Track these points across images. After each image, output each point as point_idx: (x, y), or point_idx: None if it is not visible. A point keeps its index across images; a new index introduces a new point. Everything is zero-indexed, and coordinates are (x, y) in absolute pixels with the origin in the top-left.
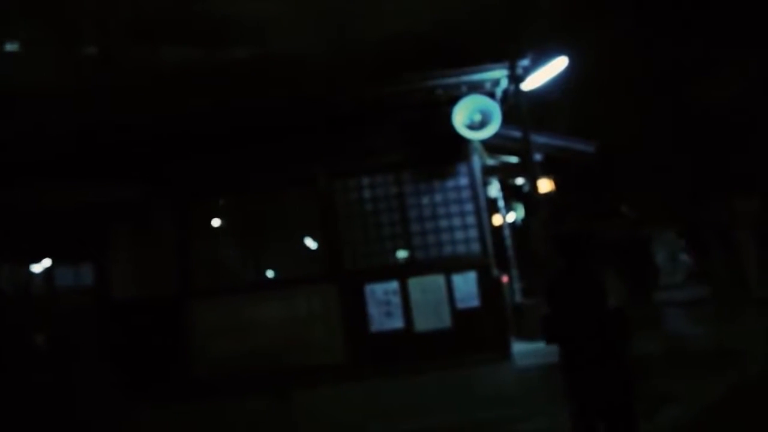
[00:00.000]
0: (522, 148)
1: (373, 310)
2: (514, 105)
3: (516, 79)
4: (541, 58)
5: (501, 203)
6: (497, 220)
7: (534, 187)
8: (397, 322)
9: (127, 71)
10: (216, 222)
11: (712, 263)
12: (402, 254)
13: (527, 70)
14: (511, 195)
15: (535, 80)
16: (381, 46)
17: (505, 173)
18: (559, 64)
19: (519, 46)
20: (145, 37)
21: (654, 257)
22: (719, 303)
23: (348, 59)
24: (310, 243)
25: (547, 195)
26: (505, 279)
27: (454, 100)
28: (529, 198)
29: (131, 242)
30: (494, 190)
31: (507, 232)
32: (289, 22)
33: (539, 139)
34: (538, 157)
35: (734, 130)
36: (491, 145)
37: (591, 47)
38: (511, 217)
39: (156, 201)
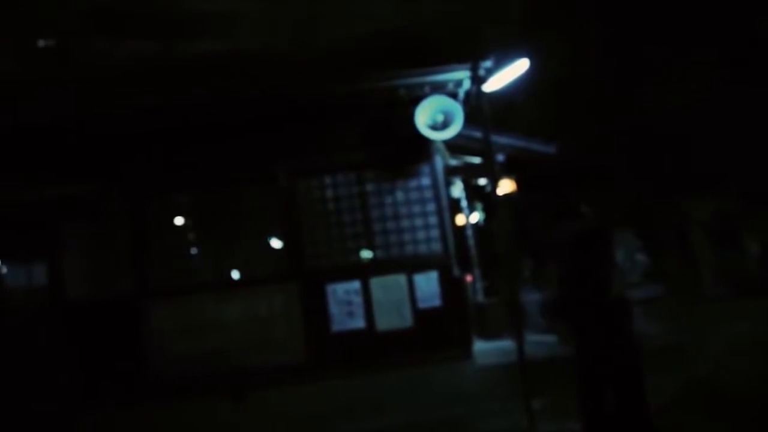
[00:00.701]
0: (483, 149)
1: (335, 310)
2: (477, 106)
3: (478, 80)
4: (503, 59)
5: (464, 203)
6: (460, 220)
7: (494, 188)
8: (359, 322)
9: (84, 64)
10: (175, 220)
11: (668, 263)
12: (364, 254)
13: (490, 72)
14: (474, 195)
15: (497, 81)
16: (346, 45)
17: (467, 173)
18: (520, 66)
19: (482, 48)
20: (104, 29)
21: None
22: (674, 301)
23: (312, 56)
24: (272, 242)
25: (508, 195)
26: (468, 278)
27: (417, 100)
28: (490, 198)
29: (86, 240)
30: (457, 190)
31: (470, 231)
32: (255, 18)
33: (501, 139)
34: (500, 157)
35: (691, 132)
36: (454, 146)
37: (554, 50)
38: (474, 217)
39: (112, 197)
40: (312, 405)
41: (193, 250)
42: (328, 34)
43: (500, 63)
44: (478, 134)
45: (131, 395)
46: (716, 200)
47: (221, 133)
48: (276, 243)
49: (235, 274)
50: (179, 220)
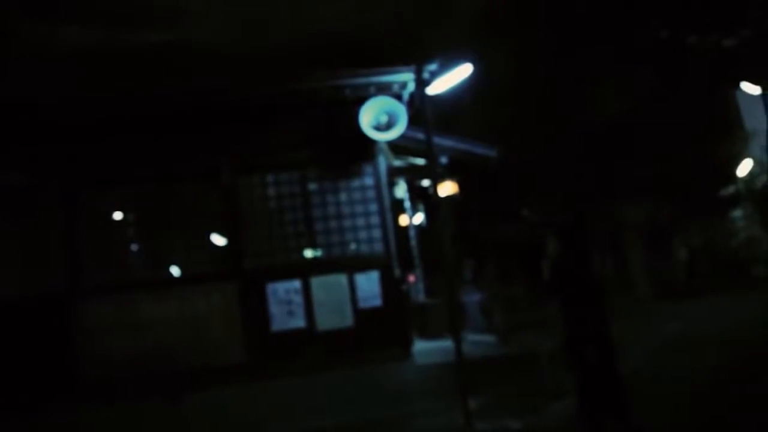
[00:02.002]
0: (427, 151)
1: (275, 309)
2: (421, 108)
3: (422, 82)
4: (448, 63)
5: (407, 204)
6: (403, 220)
7: (436, 189)
8: (299, 321)
9: (17, 49)
10: (112, 214)
11: (602, 265)
12: (305, 253)
13: (434, 75)
14: (418, 196)
15: (441, 85)
16: (294, 43)
17: (411, 174)
18: (464, 71)
19: (427, 51)
20: (44, 14)
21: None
22: (608, 302)
23: (259, 53)
24: (212, 239)
25: (450, 197)
26: (410, 278)
27: (362, 100)
28: (432, 199)
29: (14, 234)
30: (401, 190)
31: (412, 232)
32: (202, 11)
33: (445, 142)
34: (443, 159)
35: (629, 139)
36: (398, 147)
37: (498, 56)
38: (418, 217)
39: (44, 189)
40: (249, 405)
41: (131, 247)
42: (276, 32)
43: (444, 67)
44: (421, 136)
45: (60, 397)
46: (650, 206)
47: (163, 126)
48: (216, 240)
49: (174, 272)
50: (117, 215)
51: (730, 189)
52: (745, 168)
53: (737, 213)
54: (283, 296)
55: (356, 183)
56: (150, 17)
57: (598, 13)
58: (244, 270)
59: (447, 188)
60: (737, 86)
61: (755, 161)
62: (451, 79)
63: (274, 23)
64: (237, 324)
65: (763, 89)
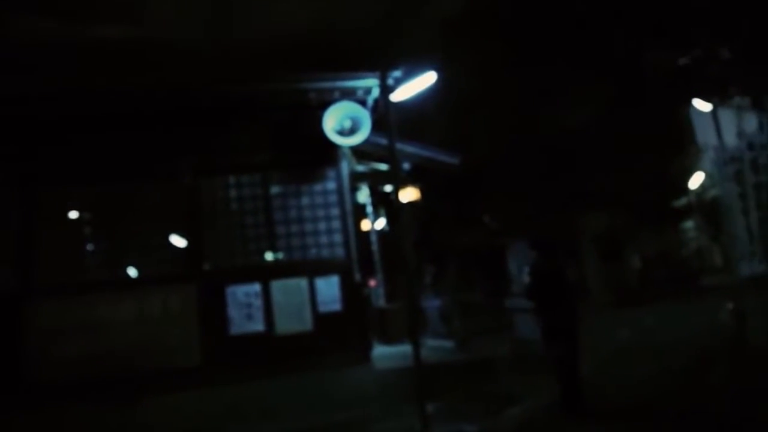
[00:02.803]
0: (389, 156)
1: (234, 312)
2: (384, 114)
3: (387, 89)
4: (412, 71)
5: (370, 209)
6: (365, 225)
7: (396, 195)
8: (258, 325)
9: None
10: (68, 213)
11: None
12: (266, 256)
13: (398, 82)
14: (380, 201)
15: (404, 92)
16: (260, 44)
17: (374, 180)
18: (428, 79)
19: (392, 58)
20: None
21: (507, 266)
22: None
23: (224, 53)
24: (171, 241)
25: (412, 203)
26: (371, 283)
27: (326, 104)
28: (394, 205)
29: None
30: (363, 195)
31: (374, 237)
32: (167, 8)
33: (408, 148)
34: (406, 165)
35: (587, 150)
36: (361, 152)
37: (464, 65)
38: (380, 223)
39: None
40: (206, 409)
41: (87, 247)
42: (243, 33)
43: (409, 74)
44: (385, 141)
45: (10, 401)
46: (607, 216)
47: (124, 125)
48: (176, 242)
49: (132, 273)
50: (74, 214)
51: (683, 201)
52: (696, 181)
53: (689, 224)
54: (243, 299)
55: (318, 187)
56: (110, 12)
57: (560, 28)
58: (203, 272)
59: (409, 194)
60: (690, 103)
61: (706, 175)
62: (415, 86)
63: (241, 24)
64: (195, 327)
65: (713, 106)
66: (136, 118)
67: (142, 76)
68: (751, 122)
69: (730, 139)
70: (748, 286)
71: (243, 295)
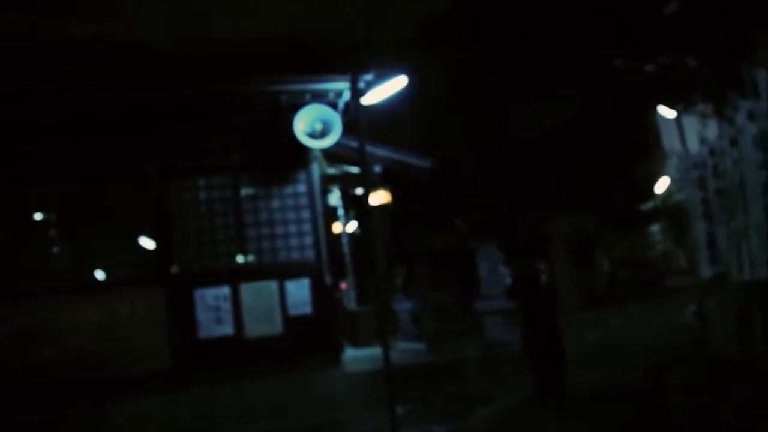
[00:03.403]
0: (360, 159)
1: (202, 316)
2: (355, 117)
3: (358, 92)
4: (383, 74)
5: (341, 212)
6: (336, 228)
7: (367, 197)
8: (227, 328)
9: None
10: (32, 215)
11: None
12: (235, 259)
13: (369, 85)
14: (352, 204)
15: (376, 95)
16: (231, 45)
17: (345, 182)
18: (398, 83)
19: (363, 61)
20: None
21: (478, 269)
22: None
23: (194, 53)
24: (139, 243)
25: (383, 205)
26: (342, 286)
27: (297, 107)
28: (364, 207)
29: None
30: (335, 198)
31: (345, 239)
32: (138, 7)
33: (379, 151)
34: (377, 168)
35: (557, 153)
36: (333, 155)
37: (435, 69)
38: (351, 225)
39: None
40: (174, 414)
41: (52, 249)
42: (213, 34)
43: (380, 77)
44: (356, 144)
45: None
46: (577, 219)
47: (90, 125)
48: (144, 245)
49: (98, 276)
50: (37, 216)
51: (650, 205)
52: (662, 186)
53: (655, 228)
54: (212, 302)
55: (289, 189)
56: (75, 9)
57: (530, 34)
58: (171, 275)
59: (380, 197)
60: (656, 109)
61: (671, 180)
62: (386, 90)
63: (211, 26)
64: (162, 330)
65: (678, 113)
66: (103, 118)
67: (109, 76)
68: (713, 129)
69: (694, 145)
70: (709, 288)
71: (212, 298)
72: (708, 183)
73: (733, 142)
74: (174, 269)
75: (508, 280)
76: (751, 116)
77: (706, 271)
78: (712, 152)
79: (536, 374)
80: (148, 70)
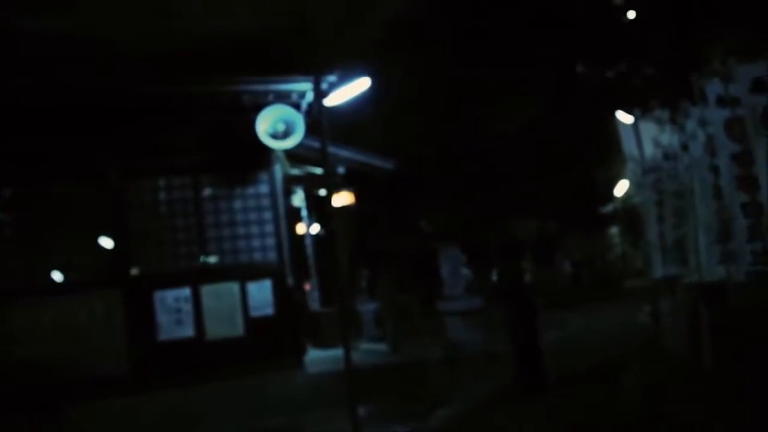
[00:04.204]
0: (321, 160)
1: (163, 318)
2: (318, 118)
3: (321, 93)
4: (347, 76)
5: (305, 213)
6: (300, 229)
7: (330, 199)
8: (188, 331)
9: None
10: None
11: (491, 277)
12: (196, 260)
13: (332, 86)
14: (316, 205)
15: (339, 96)
16: (195, 45)
17: (308, 183)
18: (362, 84)
19: (327, 62)
20: None
21: (440, 270)
22: (494, 312)
23: (155, 52)
24: (98, 245)
25: (347, 207)
26: (307, 287)
27: (260, 107)
28: (327, 208)
29: None
30: (298, 199)
31: (309, 240)
32: (99, 4)
33: (342, 152)
34: (340, 169)
35: (519, 158)
36: (296, 156)
37: (400, 71)
38: (315, 226)
39: None
40: (132, 418)
41: (7, 251)
42: (175, 32)
43: (343, 79)
44: (319, 145)
45: None
46: (539, 221)
47: (47, 124)
48: (102, 246)
49: (55, 278)
50: None
51: (610, 207)
52: (621, 189)
53: (614, 230)
54: (172, 304)
55: (251, 190)
56: (34, 3)
57: (494, 39)
58: (130, 277)
59: (343, 198)
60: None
61: (630, 183)
62: (350, 91)
63: (173, 24)
64: (120, 333)
65: (635, 118)
66: (61, 117)
67: (67, 74)
68: (668, 134)
69: (650, 149)
70: (662, 289)
71: (172, 300)
72: (662, 187)
73: (685, 147)
74: (134, 271)
75: (494, 277)
76: (702, 123)
77: (659, 273)
78: (666, 156)
79: (518, 365)
80: (107, 69)
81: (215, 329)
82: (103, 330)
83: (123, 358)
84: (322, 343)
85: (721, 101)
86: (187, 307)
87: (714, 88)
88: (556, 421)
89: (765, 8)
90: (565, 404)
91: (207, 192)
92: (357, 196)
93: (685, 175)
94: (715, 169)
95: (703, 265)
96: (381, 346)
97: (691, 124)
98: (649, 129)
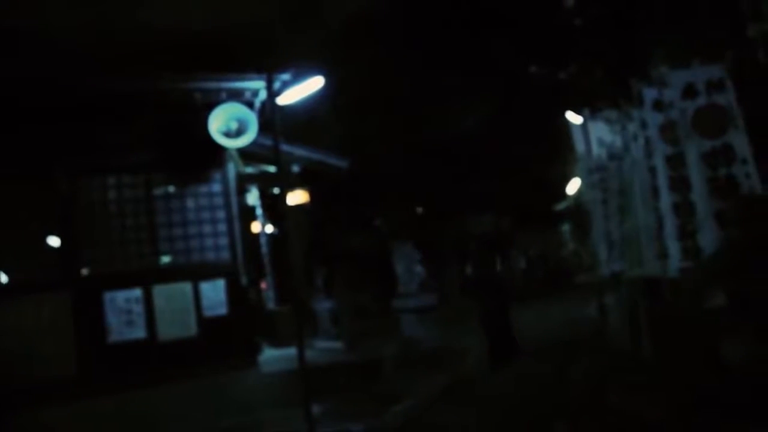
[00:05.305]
0: (275, 159)
1: (113, 319)
2: (271, 116)
3: (274, 92)
4: (300, 74)
5: (259, 211)
6: (255, 227)
7: (283, 197)
8: (139, 332)
9: None
10: None
11: (445, 274)
12: (148, 260)
13: (286, 85)
14: (271, 204)
15: (292, 95)
16: (148, 42)
17: (263, 182)
18: (315, 83)
19: (280, 61)
20: None
21: (394, 268)
22: (448, 309)
23: (106, 47)
24: (45, 245)
25: (302, 205)
26: (263, 286)
27: (213, 105)
28: (281, 207)
29: None
30: (253, 198)
31: (264, 239)
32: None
33: (297, 151)
34: (295, 168)
35: (474, 156)
36: (250, 154)
37: (355, 69)
38: (270, 225)
39: None
40: (83, 421)
41: None
42: (128, 27)
43: (297, 77)
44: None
45: None
46: (494, 218)
47: None
48: (50, 246)
49: (0, 279)
50: None
51: (563, 205)
52: (574, 187)
53: (566, 227)
54: (123, 305)
55: (204, 189)
56: None
57: (449, 37)
58: (79, 277)
59: (298, 197)
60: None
61: (581, 181)
62: (303, 90)
63: (127, 20)
64: (68, 335)
65: (584, 118)
66: (7, 114)
67: (8, 65)
68: (613, 135)
69: (597, 149)
70: (608, 284)
71: (123, 300)
72: (607, 185)
73: (627, 148)
74: (83, 271)
75: (469, 270)
76: (642, 125)
77: (605, 269)
78: (611, 156)
79: (492, 343)
80: (52, 61)
81: (168, 330)
82: (50, 332)
83: (71, 360)
84: (279, 342)
85: (657, 105)
86: (139, 308)
87: (651, 92)
88: (500, 412)
89: (697, 16)
90: (510, 393)
91: (159, 191)
92: (312, 195)
93: (628, 174)
94: (652, 170)
95: (643, 261)
96: (337, 345)
97: (632, 126)
98: (597, 129)
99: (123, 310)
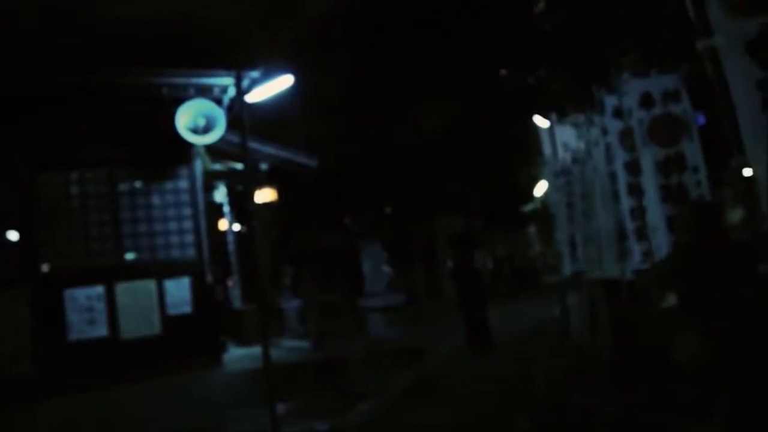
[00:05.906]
0: (243, 156)
1: (73, 317)
2: (239, 114)
3: (243, 89)
4: (270, 72)
5: (227, 209)
6: (223, 225)
7: (250, 195)
8: (101, 330)
9: None
10: None
11: (413, 273)
12: (111, 257)
13: (255, 82)
14: (238, 201)
15: (261, 93)
16: (115, 36)
17: (230, 179)
18: (284, 82)
19: (250, 58)
20: None
21: (362, 267)
22: (415, 308)
23: (72, 39)
24: (3, 240)
25: (270, 204)
26: (229, 284)
27: (180, 101)
28: (249, 205)
29: None
30: (220, 195)
31: (231, 237)
32: None
33: (266, 149)
34: (263, 166)
35: (446, 156)
36: (218, 151)
37: (328, 68)
38: (238, 223)
39: None
40: (41, 421)
41: None
42: (95, 20)
43: (266, 75)
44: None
45: None
46: (463, 219)
47: None
48: (8, 242)
49: None
50: None
51: (530, 206)
52: (541, 189)
53: (533, 228)
54: (84, 303)
55: (170, 185)
56: None
57: (422, 40)
58: (39, 274)
59: (265, 195)
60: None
61: (548, 184)
62: (272, 88)
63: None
64: (26, 333)
65: (551, 122)
66: None
67: None
68: (577, 139)
69: (562, 153)
70: (571, 285)
71: (84, 298)
72: (571, 189)
73: (589, 153)
74: (43, 268)
75: (450, 263)
76: (603, 131)
77: (568, 270)
78: (575, 160)
79: (468, 332)
80: (12, 51)
81: (130, 328)
82: (8, 330)
83: (28, 359)
84: (244, 341)
85: (617, 113)
86: (100, 306)
87: (611, 99)
88: (464, 408)
89: (655, 26)
90: (474, 391)
91: (123, 186)
92: (280, 193)
93: (590, 178)
94: (612, 175)
95: (603, 263)
96: (303, 343)
97: (594, 132)
98: (563, 133)
99: (84, 308)
